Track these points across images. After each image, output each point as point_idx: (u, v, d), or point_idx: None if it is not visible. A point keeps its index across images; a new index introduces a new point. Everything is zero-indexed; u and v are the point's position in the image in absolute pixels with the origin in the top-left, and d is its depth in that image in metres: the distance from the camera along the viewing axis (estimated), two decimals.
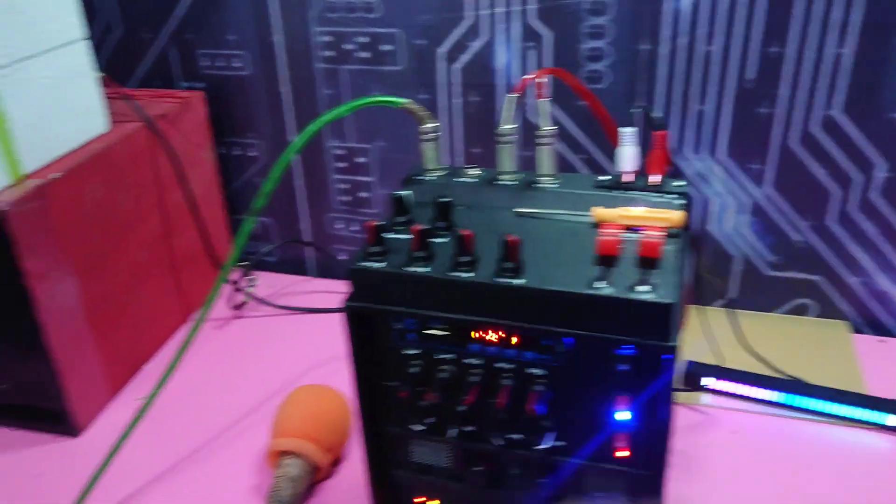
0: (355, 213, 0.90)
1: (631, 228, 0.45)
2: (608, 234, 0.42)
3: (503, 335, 0.44)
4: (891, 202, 0.72)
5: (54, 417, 0.69)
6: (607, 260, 0.43)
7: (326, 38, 0.81)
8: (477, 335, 0.45)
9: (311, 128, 0.50)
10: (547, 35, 0.73)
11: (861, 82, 0.68)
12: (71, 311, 0.67)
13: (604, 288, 0.41)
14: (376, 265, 0.44)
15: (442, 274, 0.43)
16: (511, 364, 0.46)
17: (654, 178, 0.49)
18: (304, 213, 0.92)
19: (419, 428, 0.49)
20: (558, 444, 0.48)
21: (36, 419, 0.69)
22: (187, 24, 0.85)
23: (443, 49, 0.77)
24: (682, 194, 0.48)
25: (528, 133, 0.74)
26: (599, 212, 0.46)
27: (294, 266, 0.96)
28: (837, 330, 0.78)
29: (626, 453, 0.47)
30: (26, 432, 0.70)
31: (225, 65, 0.86)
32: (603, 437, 0.46)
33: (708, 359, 0.69)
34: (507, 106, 0.49)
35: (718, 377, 0.69)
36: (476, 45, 0.76)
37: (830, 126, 0.71)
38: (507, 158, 0.51)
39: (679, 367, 0.56)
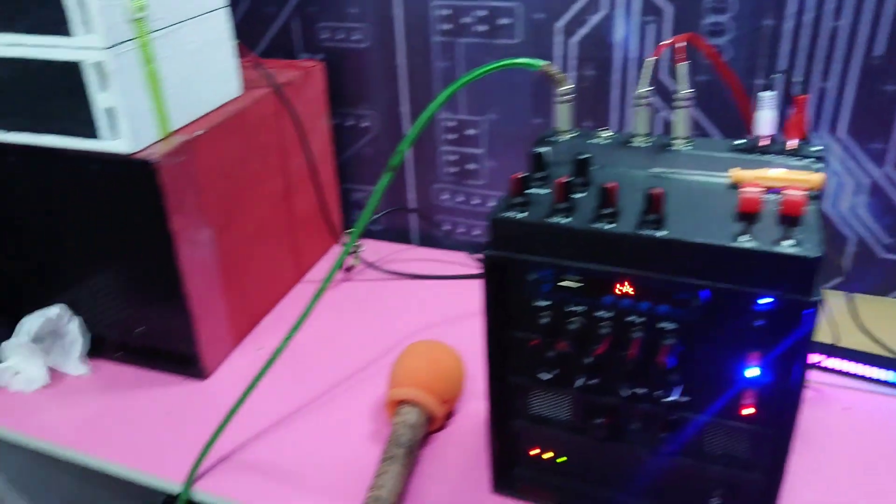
0: (461, 184, 0.93)
1: (770, 190, 0.46)
2: (750, 192, 0.43)
3: (638, 288, 0.46)
4: None
5: (185, 361, 0.74)
6: (749, 217, 0.43)
7: (445, 12, 0.83)
8: (612, 288, 0.46)
9: (452, 87, 0.52)
10: (668, 9, 0.74)
11: None
12: (205, 262, 0.72)
13: (748, 241, 0.42)
14: (519, 215, 0.46)
15: (584, 225, 0.44)
16: (642, 317, 0.47)
17: (792, 143, 0.50)
18: (410, 183, 0.96)
19: (546, 377, 0.51)
20: (683, 398, 0.49)
21: (168, 361, 0.75)
22: None
23: (560, 23, 0.79)
24: (819, 158, 0.49)
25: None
26: (738, 173, 0.47)
27: (398, 235, 1.00)
28: None
29: (752, 410, 0.48)
30: (158, 373, 0.75)
31: (344, 37, 0.90)
32: (731, 394, 0.47)
33: (823, 338, 0.69)
34: (644, 70, 0.50)
35: (831, 355, 0.68)
36: (595, 19, 0.77)
37: None
38: (642, 121, 0.52)
39: None
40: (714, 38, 0.73)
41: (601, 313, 0.48)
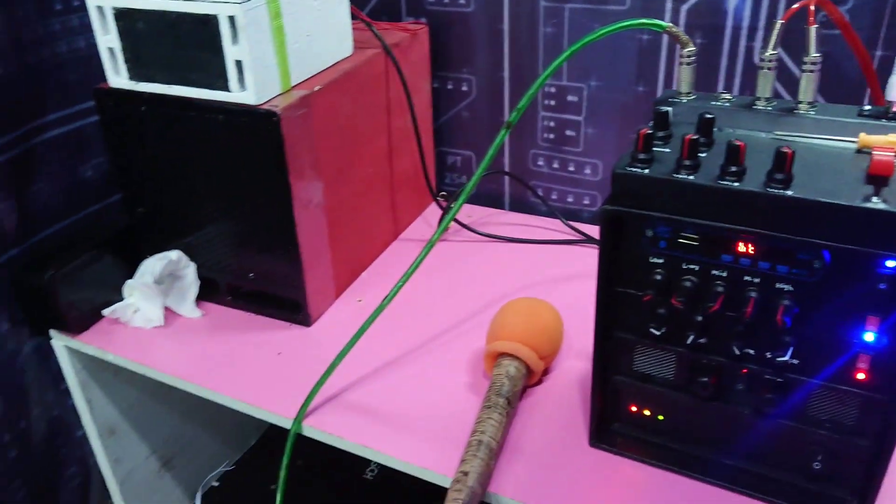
0: (558, 150, 0.94)
1: None
2: (882, 156, 0.43)
3: (759, 247, 0.46)
4: None
5: (293, 307, 0.77)
6: (879, 180, 0.43)
7: None
8: (731, 246, 0.47)
9: (575, 46, 0.53)
10: None
11: None
12: (316, 213, 0.75)
13: (878, 203, 0.42)
14: (643, 170, 0.47)
15: (711, 182, 0.45)
16: (759, 277, 0.48)
17: None
18: (506, 148, 0.97)
19: (657, 333, 0.52)
20: (794, 360, 0.49)
21: (275, 307, 0.79)
22: None
23: None
24: None
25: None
26: (867, 138, 0.47)
27: (490, 199, 1.01)
28: None
29: (865, 376, 0.48)
30: (265, 318, 0.80)
31: (449, 1, 0.91)
32: (844, 358, 0.48)
33: None
34: (774, 32, 0.50)
35: None
36: None
37: None
38: (767, 84, 0.52)
39: None
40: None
41: (717, 272, 0.49)
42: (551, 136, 0.93)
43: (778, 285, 0.47)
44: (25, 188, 0.76)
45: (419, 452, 0.61)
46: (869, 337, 0.46)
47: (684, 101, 0.55)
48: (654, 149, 0.49)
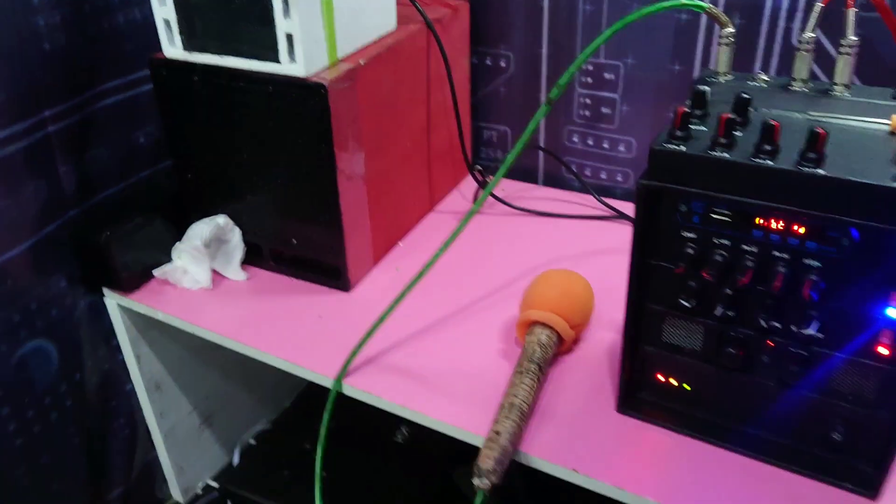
0: (593, 127, 0.95)
1: None
2: None
3: (789, 224, 0.48)
4: None
5: (333, 273, 0.81)
6: None
7: None
8: (763, 222, 0.49)
9: (616, 25, 0.55)
10: None
11: None
12: (357, 184, 0.78)
13: None
14: (680, 147, 0.49)
15: (745, 159, 0.47)
16: (786, 253, 0.50)
17: None
18: (542, 124, 0.99)
19: (687, 305, 0.54)
20: (819, 334, 0.51)
21: (317, 272, 0.82)
22: None
23: None
24: None
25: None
26: None
27: (524, 174, 1.03)
28: None
29: (888, 351, 0.50)
30: (307, 283, 0.83)
31: None
32: (868, 333, 0.50)
33: None
34: (814, 14, 0.51)
35: None
36: None
37: None
38: (804, 66, 0.53)
39: None
40: None
41: (748, 247, 0.51)
42: (587, 112, 0.95)
43: (806, 261, 0.49)
44: (84, 152, 0.80)
45: (453, 413, 0.64)
46: (892, 313, 0.48)
47: (722, 80, 0.56)
48: (691, 127, 0.51)
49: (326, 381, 0.70)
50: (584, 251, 0.86)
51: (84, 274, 0.82)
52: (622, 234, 0.89)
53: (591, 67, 0.92)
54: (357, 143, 0.76)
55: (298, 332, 0.75)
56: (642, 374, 0.62)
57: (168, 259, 0.83)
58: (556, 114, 0.97)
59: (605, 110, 0.93)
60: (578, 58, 0.57)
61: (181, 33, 0.73)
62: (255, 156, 0.77)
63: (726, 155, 0.48)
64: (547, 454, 0.60)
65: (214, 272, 0.84)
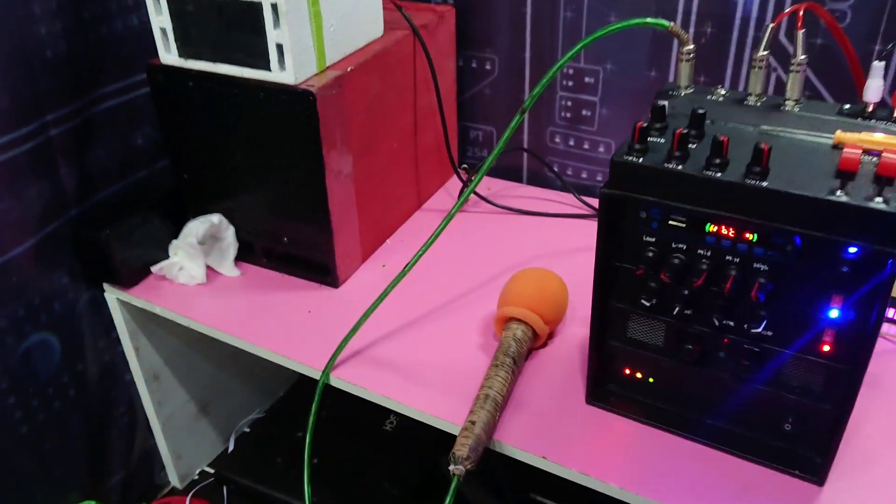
0: (574, 129, 0.99)
1: (870, 152, 0.51)
2: (851, 153, 0.49)
3: (738, 231, 0.52)
4: None
5: (322, 270, 0.84)
6: (846, 175, 0.49)
7: None
8: (715, 229, 0.53)
9: (583, 43, 0.59)
10: None
11: None
12: (346, 184, 0.81)
13: (841, 196, 0.47)
14: (638, 159, 0.53)
15: (697, 171, 0.51)
16: (738, 257, 0.53)
17: None
18: (525, 125, 1.02)
19: (647, 304, 0.58)
20: (768, 332, 0.55)
21: (306, 269, 0.86)
22: None
23: None
24: None
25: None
26: (842, 135, 0.52)
27: (508, 173, 1.07)
28: None
29: (830, 348, 0.54)
30: (297, 279, 0.87)
31: None
32: (812, 331, 0.54)
33: None
34: (765, 34, 0.55)
35: None
36: None
37: None
38: (758, 81, 0.57)
39: None
40: (835, 3, 0.76)
41: (702, 251, 0.55)
42: (568, 115, 0.98)
43: (755, 265, 0.53)
44: (85, 154, 0.84)
45: (434, 403, 0.68)
46: (834, 314, 0.52)
47: (683, 94, 0.60)
48: (651, 139, 0.55)
49: (315, 374, 0.74)
50: (563, 248, 0.90)
51: (85, 270, 0.86)
52: None
53: (571, 72, 0.95)
54: (345, 146, 0.79)
55: (288, 326, 0.79)
56: (609, 367, 0.66)
57: (165, 256, 0.87)
58: (539, 115, 1.01)
59: (585, 113, 0.97)
60: (550, 70, 0.61)
61: (177, 41, 0.77)
62: (247, 158, 0.81)
63: (679, 167, 0.52)
64: (519, 442, 0.64)
65: (209, 268, 0.88)
